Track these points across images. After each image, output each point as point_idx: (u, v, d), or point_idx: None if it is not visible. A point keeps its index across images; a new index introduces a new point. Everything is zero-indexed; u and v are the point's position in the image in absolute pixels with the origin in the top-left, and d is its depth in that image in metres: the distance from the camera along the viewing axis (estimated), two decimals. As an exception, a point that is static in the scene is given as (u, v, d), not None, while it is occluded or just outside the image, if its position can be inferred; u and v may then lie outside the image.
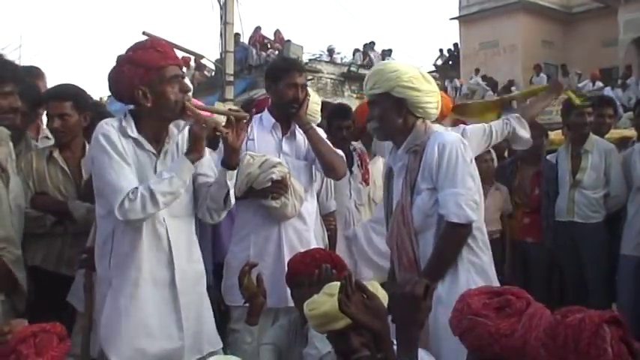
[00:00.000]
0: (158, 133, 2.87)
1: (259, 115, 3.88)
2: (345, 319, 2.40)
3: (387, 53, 25.19)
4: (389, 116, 2.95)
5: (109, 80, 2.82)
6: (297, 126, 3.80)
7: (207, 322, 3.00)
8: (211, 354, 2.85)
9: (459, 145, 2.90)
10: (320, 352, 2.80)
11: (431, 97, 2.98)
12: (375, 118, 2.97)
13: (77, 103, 3.66)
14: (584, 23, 26.61)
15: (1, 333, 2.34)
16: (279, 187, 3.55)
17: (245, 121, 2.87)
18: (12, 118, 3.17)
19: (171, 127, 2.91)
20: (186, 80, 2.90)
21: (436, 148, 2.86)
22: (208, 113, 2.98)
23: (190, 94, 2.89)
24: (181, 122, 2.91)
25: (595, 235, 5.12)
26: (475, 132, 3.87)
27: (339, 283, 2.46)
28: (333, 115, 4.84)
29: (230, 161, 2.88)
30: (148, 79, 2.74)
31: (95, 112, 3.81)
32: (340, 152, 3.87)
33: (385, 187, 3.21)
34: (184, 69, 20.61)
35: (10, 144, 3.23)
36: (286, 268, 3.26)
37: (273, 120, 3.79)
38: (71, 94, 3.68)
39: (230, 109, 2.93)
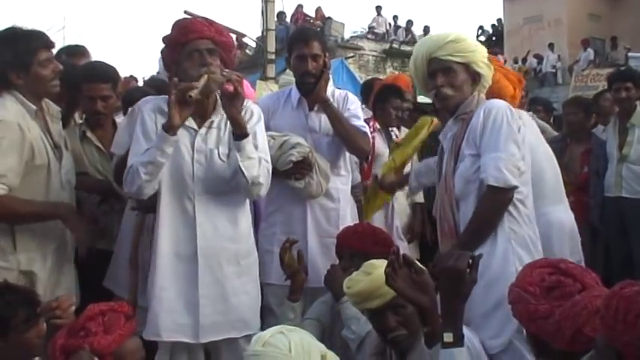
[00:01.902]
0: (200, 109, 2.88)
1: (289, 88, 3.78)
2: (379, 299, 2.42)
3: (426, 29, 24.86)
4: (465, 88, 2.89)
5: None
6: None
7: (240, 303, 2.95)
8: (246, 337, 2.84)
9: (506, 111, 2.81)
10: (359, 334, 2.81)
11: (490, 78, 2.99)
12: (451, 85, 2.87)
13: (115, 84, 3.69)
14: (632, -5, 25.83)
15: (51, 309, 2.40)
16: (301, 167, 3.44)
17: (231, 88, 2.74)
18: (58, 84, 3.12)
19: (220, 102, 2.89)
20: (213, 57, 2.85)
21: (482, 112, 2.80)
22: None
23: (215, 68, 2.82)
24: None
25: (643, 209, 5.02)
26: None
27: (378, 262, 2.48)
28: (390, 93, 4.85)
29: (234, 130, 2.83)
30: (176, 57, 2.90)
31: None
32: (365, 129, 3.71)
33: (437, 165, 3.09)
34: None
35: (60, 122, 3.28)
36: (311, 247, 3.45)
37: (299, 95, 3.66)
38: (111, 75, 3.70)
39: (223, 74, 2.82)
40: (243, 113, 2.91)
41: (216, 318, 2.88)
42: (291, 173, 3.44)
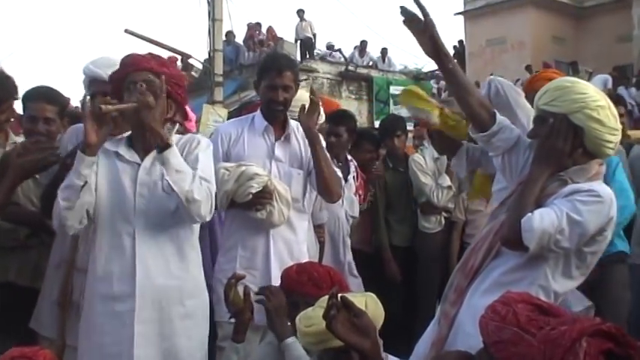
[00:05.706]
0: (143, 142, 2.93)
1: (252, 115, 3.79)
2: None
3: (384, 52, 24.97)
4: (555, 141, 2.60)
5: None
6: (292, 130, 3.71)
7: (180, 348, 2.92)
8: None
9: (605, 205, 2.54)
10: None
11: (613, 135, 2.62)
12: (539, 136, 2.66)
13: (62, 109, 3.68)
14: (596, 18, 26.63)
15: None
16: (262, 197, 3.48)
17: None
18: None
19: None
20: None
21: (588, 188, 2.55)
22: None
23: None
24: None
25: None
26: None
27: None
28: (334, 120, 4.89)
29: (154, 142, 2.83)
30: (119, 93, 2.92)
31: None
32: (339, 173, 3.79)
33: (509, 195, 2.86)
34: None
35: None
36: (275, 281, 3.30)
37: (266, 122, 3.68)
38: (59, 99, 3.70)
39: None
40: (189, 142, 2.99)
41: None
42: (251, 204, 3.47)
